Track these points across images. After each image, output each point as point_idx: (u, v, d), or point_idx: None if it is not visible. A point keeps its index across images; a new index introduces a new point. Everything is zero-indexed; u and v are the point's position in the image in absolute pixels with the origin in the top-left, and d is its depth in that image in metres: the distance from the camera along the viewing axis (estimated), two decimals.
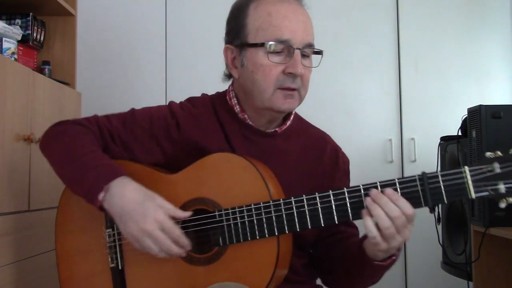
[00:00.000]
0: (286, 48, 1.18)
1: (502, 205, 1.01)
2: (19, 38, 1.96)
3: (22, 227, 1.67)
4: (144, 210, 1.10)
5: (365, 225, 1.04)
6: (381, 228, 1.02)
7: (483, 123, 1.91)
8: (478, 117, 1.93)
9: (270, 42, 1.17)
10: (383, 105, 2.92)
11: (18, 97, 1.68)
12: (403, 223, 1.02)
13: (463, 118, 2.16)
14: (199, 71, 2.87)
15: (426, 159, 2.73)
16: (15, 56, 1.92)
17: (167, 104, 1.33)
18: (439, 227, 2.33)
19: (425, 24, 2.94)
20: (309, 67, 1.23)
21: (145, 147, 1.27)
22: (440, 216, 2.35)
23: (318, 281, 1.36)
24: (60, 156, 1.24)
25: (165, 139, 1.27)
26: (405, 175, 2.79)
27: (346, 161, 1.36)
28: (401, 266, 2.84)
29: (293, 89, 1.20)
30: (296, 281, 1.25)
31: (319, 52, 1.24)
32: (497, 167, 0.99)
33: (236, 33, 1.24)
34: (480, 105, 1.93)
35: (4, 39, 1.86)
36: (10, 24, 2.02)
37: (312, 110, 2.74)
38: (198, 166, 1.19)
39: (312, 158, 1.31)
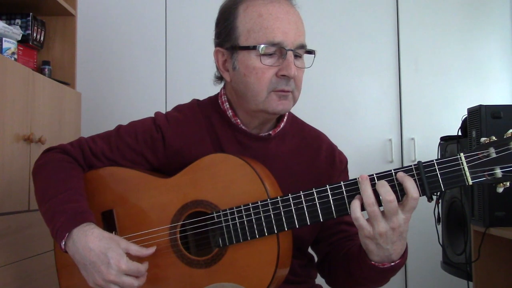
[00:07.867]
0: (278, 50, 1.17)
1: (500, 189, 1.00)
2: (19, 38, 1.96)
3: (22, 227, 1.67)
4: (108, 259, 1.08)
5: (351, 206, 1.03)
6: (365, 205, 1.01)
7: (483, 123, 1.91)
8: (478, 117, 1.93)
9: (262, 45, 1.15)
10: (383, 105, 2.92)
11: (18, 97, 1.68)
12: (393, 208, 1.00)
13: (463, 118, 2.16)
14: (199, 71, 2.87)
15: (426, 159, 2.70)
16: (15, 56, 1.92)
17: (153, 115, 1.32)
18: (439, 227, 2.33)
19: (425, 24, 2.94)
20: (302, 68, 1.22)
21: (133, 162, 1.28)
22: (440, 216, 2.35)
23: (317, 281, 1.36)
24: (38, 195, 1.24)
25: (151, 153, 1.27)
26: None
27: (343, 160, 1.35)
28: None
29: (287, 91, 1.19)
30: (294, 282, 1.25)
31: (311, 52, 1.22)
32: (492, 152, 0.98)
33: (226, 35, 1.22)
34: (480, 105, 1.93)
35: (4, 39, 1.86)
36: (10, 24, 2.02)
37: (312, 110, 2.77)
38: (193, 169, 1.18)
39: (307, 159, 1.30)
